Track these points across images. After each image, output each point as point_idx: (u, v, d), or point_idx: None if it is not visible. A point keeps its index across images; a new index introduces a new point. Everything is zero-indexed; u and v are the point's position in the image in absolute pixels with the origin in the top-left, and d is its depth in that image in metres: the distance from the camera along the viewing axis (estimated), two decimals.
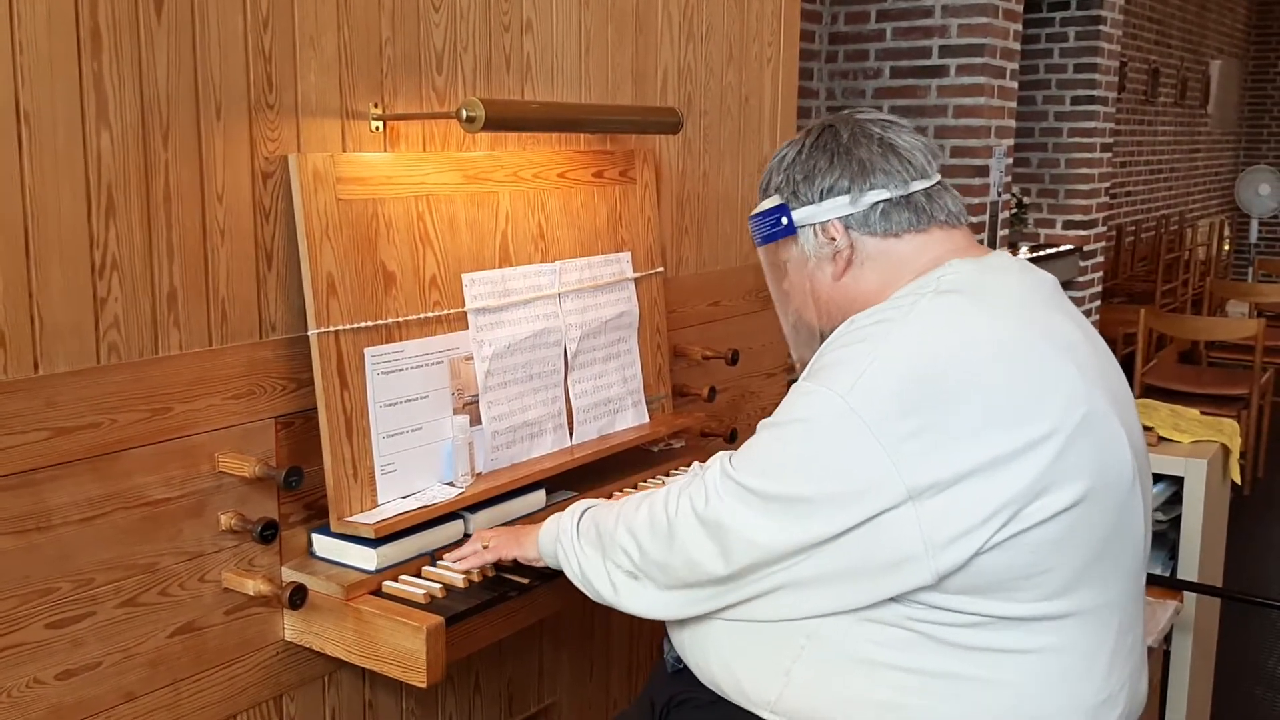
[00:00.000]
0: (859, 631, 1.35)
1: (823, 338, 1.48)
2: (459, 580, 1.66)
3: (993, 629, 1.32)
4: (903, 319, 1.35)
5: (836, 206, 1.46)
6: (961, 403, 1.27)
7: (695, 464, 1.51)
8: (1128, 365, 5.87)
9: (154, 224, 1.47)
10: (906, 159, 1.46)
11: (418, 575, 1.68)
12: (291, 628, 1.67)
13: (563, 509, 1.90)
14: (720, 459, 1.42)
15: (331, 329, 1.63)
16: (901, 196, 1.45)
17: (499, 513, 1.85)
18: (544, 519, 1.84)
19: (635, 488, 2.07)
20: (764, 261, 1.62)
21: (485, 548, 1.70)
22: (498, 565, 1.71)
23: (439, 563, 1.72)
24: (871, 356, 1.31)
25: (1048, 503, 1.28)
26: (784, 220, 1.50)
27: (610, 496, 2.02)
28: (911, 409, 1.27)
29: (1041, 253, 5.55)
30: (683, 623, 1.52)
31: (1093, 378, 1.35)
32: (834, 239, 1.47)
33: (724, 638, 1.45)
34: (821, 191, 1.47)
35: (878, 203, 1.45)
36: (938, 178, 1.49)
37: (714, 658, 1.47)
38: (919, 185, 1.46)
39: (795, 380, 1.43)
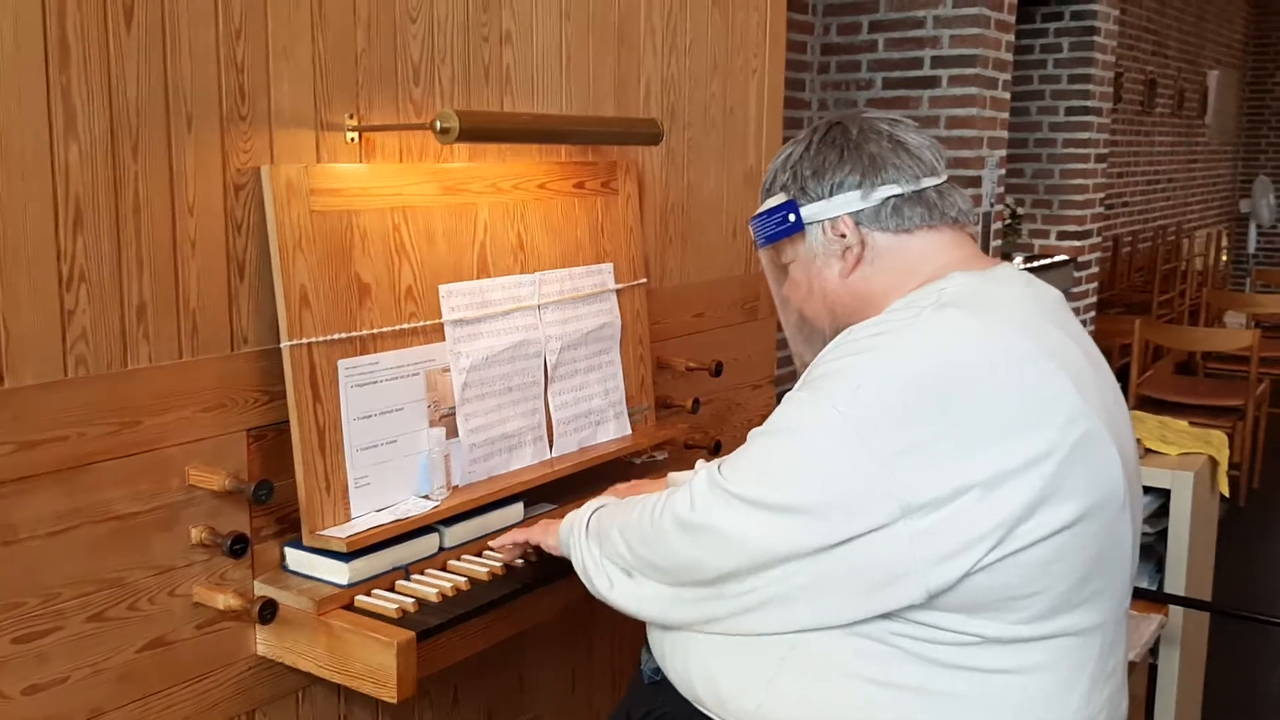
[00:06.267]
0: (843, 645, 1.33)
1: (829, 339, 1.45)
2: (432, 594, 1.65)
3: (979, 648, 1.30)
4: (902, 331, 1.32)
5: (847, 202, 1.44)
6: (959, 419, 1.25)
7: (700, 462, 1.52)
8: (1123, 376, 5.86)
9: (123, 236, 1.46)
10: (916, 155, 1.45)
11: (391, 589, 1.67)
12: (264, 642, 1.66)
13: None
14: (709, 467, 1.40)
15: (304, 341, 1.62)
16: (913, 192, 1.43)
17: (475, 526, 1.83)
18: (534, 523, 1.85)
19: None
20: (765, 263, 1.59)
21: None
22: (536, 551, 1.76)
23: (413, 576, 1.71)
24: (869, 369, 1.29)
25: (1041, 522, 1.26)
26: (791, 217, 1.47)
27: None
28: (909, 424, 1.25)
29: (1036, 264, 5.54)
30: (665, 628, 1.51)
31: (1090, 397, 1.33)
32: (843, 235, 1.44)
33: (706, 644, 1.44)
34: (832, 186, 1.44)
35: (889, 198, 1.43)
36: (946, 176, 1.48)
37: (694, 664, 1.46)
38: (930, 182, 1.44)
39: (787, 390, 1.40)
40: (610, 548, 1.50)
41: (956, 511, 1.24)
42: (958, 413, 1.25)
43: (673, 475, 1.89)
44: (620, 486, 1.90)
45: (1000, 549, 1.25)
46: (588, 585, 1.55)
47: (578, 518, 1.60)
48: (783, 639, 1.36)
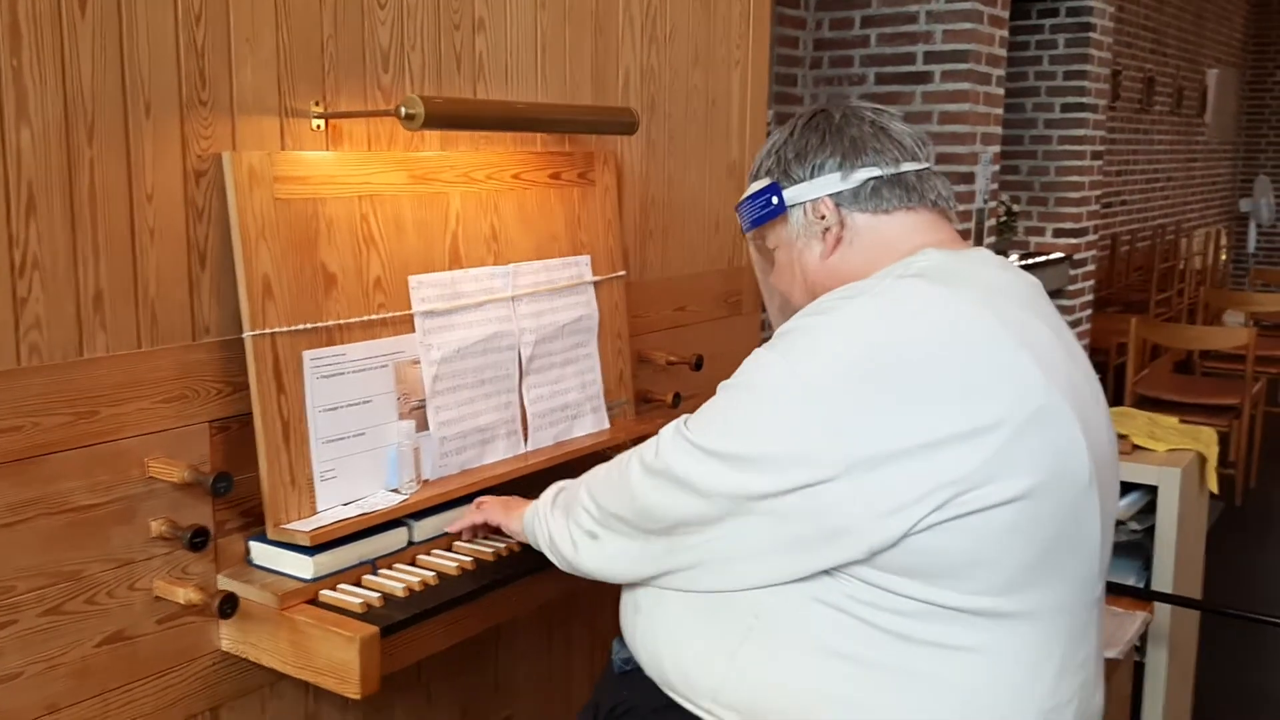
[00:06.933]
0: (805, 614, 1.34)
1: None
2: (399, 589, 1.62)
3: (937, 620, 1.30)
4: (865, 296, 1.36)
5: (828, 183, 1.47)
6: (909, 380, 1.27)
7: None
8: (1120, 375, 5.83)
9: (78, 223, 1.44)
10: (898, 140, 1.48)
11: (357, 584, 1.64)
12: (227, 638, 1.63)
13: None
14: (676, 421, 1.44)
15: (267, 331, 1.60)
16: (893, 175, 1.46)
17: (445, 520, 1.81)
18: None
19: None
20: (751, 247, 1.63)
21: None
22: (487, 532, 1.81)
23: (380, 571, 1.69)
24: (825, 329, 1.33)
25: (991, 491, 1.26)
26: (774, 200, 1.51)
27: None
28: (857, 381, 1.27)
29: (1031, 261, 5.51)
30: (637, 608, 1.52)
31: (1055, 376, 1.33)
32: (824, 216, 1.47)
33: (675, 619, 1.46)
34: (813, 169, 1.48)
35: (869, 180, 1.46)
36: (928, 164, 1.50)
37: (663, 643, 1.47)
38: (910, 166, 1.47)
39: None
40: (577, 511, 1.54)
41: (900, 470, 1.25)
42: (908, 375, 1.27)
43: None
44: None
45: (944, 511, 1.25)
46: (554, 558, 1.59)
47: (541, 499, 1.64)
48: (747, 609, 1.37)
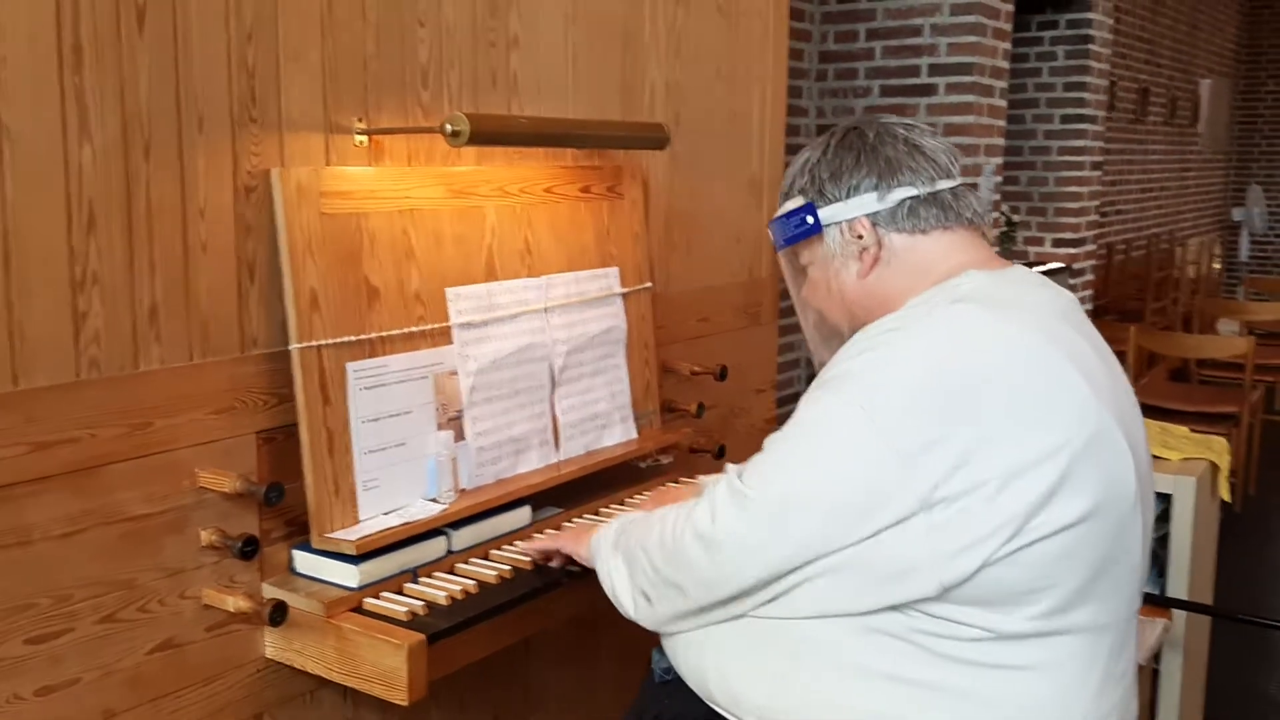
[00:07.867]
0: (856, 639, 1.33)
1: (847, 339, 1.46)
2: (441, 598, 1.65)
3: (990, 643, 1.31)
4: (917, 326, 1.34)
5: (864, 204, 1.46)
6: (975, 413, 1.26)
7: (729, 465, 1.52)
8: None
9: (135, 239, 1.47)
10: (932, 158, 1.47)
11: (399, 592, 1.67)
12: (273, 645, 1.66)
13: (549, 525, 1.92)
14: (729, 474, 1.41)
15: (313, 344, 1.63)
16: (929, 194, 1.45)
17: (483, 529, 1.83)
18: (530, 534, 1.86)
19: (622, 504, 2.07)
20: (784, 265, 1.62)
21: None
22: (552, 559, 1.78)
23: (421, 579, 1.71)
24: (885, 364, 1.31)
25: (1054, 516, 1.27)
26: (809, 219, 1.49)
27: (597, 513, 2.02)
28: (925, 418, 1.26)
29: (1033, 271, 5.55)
30: None
31: (1103, 395, 1.34)
32: (861, 236, 1.46)
33: (720, 636, 1.44)
34: (849, 189, 1.46)
35: (905, 199, 1.45)
36: (960, 179, 1.50)
37: (708, 661, 1.46)
38: (945, 184, 1.46)
39: (788, 395, 1.41)
40: (636, 570, 1.51)
41: (973, 504, 1.25)
42: (974, 406, 1.26)
43: (702, 479, 1.90)
44: (660, 490, 1.91)
45: (1014, 542, 1.26)
46: (614, 602, 1.56)
47: (606, 533, 1.60)
48: (797, 632, 1.36)
